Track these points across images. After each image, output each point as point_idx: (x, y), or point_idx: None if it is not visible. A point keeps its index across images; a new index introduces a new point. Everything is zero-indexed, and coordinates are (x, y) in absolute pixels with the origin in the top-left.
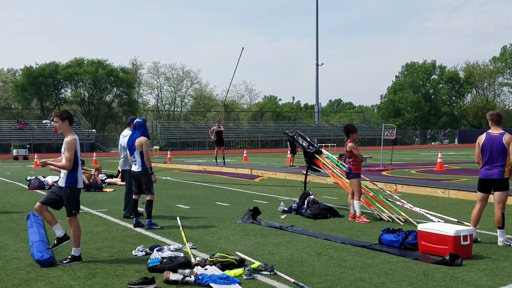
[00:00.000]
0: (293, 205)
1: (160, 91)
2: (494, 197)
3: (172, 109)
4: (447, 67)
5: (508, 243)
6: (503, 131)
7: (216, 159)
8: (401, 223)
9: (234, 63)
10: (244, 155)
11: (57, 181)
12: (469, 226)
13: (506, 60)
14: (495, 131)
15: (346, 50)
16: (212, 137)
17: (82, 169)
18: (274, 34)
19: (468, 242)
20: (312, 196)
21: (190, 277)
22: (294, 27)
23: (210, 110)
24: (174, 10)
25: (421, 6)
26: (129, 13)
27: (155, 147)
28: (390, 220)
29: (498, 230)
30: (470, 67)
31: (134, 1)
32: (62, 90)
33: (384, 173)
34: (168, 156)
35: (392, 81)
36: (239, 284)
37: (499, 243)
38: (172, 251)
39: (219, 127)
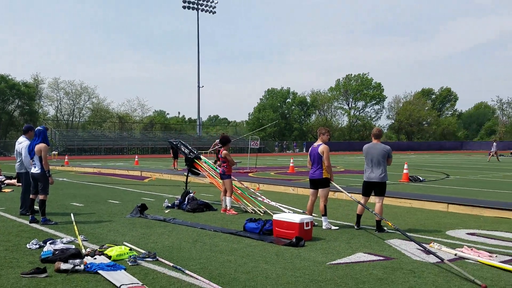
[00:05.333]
0: (176, 201)
1: (60, 103)
2: (319, 192)
3: (71, 119)
4: (298, 93)
5: (329, 227)
6: (321, 143)
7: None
8: (261, 214)
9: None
10: (136, 159)
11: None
12: (313, 216)
13: (339, 89)
14: (316, 143)
15: (223, 74)
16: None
17: None
18: (164, 58)
19: (310, 227)
20: (191, 194)
21: (80, 266)
22: (180, 53)
23: (106, 121)
24: (76, 31)
25: (281, 44)
26: (32, 31)
27: (53, 152)
28: (253, 212)
29: (322, 217)
30: (315, 94)
31: (36, 21)
32: None
33: (250, 174)
34: (66, 160)
35: (257, 102)
36: (125, 269)
37: (323, 227)
38: (64, 243)
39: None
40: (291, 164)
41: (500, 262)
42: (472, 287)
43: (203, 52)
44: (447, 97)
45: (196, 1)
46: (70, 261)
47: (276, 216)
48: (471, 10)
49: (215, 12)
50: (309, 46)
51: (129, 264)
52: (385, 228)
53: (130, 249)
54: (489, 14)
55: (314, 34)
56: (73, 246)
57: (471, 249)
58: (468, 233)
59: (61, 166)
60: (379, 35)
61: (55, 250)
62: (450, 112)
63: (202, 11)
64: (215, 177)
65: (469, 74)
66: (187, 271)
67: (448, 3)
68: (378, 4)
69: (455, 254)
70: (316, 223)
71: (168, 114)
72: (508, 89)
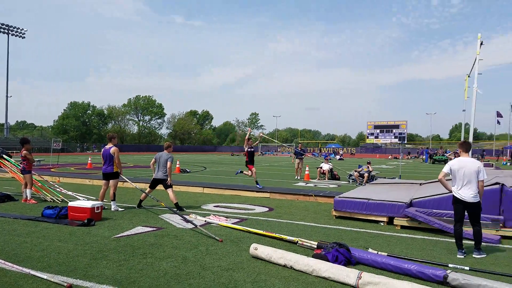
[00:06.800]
0: None
1: None
2: (110, 182)
3: None
4: (97, 107)
5: (116, 209)
6: (111, 146)
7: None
8: (59, 202)
9: None
10: None
11: None
12: (104, 201)
13: (131, 106)
14: (108, 146)
15: (34, 86)
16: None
17: None
18: None
19: (100, 210)
20: None
21: None
22: None
23: None
24: None
25: (83, 67)
26: None
27: None
28: (51, 200)
29: (111, 201)
30: (112, 108)
31: None
32: None
33: (52, 170)
34: None
35: (61, 112)
36: None
37: (112, 209)
38: None
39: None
40: (89, 161)
41: (232, 223)
42: (214, 241)
43: (15, 66)
44: (207, 116)
45: (7, 28)
46: None
47: (71, 203)
48: (224, 62)
49: (24, 37)
50: (106, 71)
51: None
52: (182, 207)
53: None
54: (234, 65)
55: (110, 63)
56: None
57: (215, 216)
58: (214, 206)
59: None
60: (161, 70)
61: None
62: (208, 126)
63: (12, 35)
64: (17, 172)
65: (220, 102)
66: None
67: (208, 56)
68: (160, 49)
69: (205, 221)
70: (106, 207)
71: None
72: (241, 113)
